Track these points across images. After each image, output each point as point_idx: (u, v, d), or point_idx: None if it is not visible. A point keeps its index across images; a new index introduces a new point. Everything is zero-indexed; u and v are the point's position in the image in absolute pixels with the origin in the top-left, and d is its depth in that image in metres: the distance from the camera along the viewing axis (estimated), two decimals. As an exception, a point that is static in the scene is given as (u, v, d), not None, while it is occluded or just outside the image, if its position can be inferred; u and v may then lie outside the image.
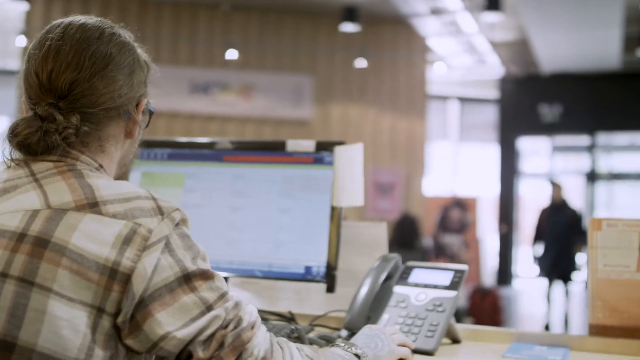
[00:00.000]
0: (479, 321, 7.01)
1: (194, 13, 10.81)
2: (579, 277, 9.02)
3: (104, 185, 0.98)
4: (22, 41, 9.12)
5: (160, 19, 10.72)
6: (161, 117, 10.49)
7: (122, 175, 1.14)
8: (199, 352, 0.92)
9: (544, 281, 8.93)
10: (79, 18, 1.08)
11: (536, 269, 9.18)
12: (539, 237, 9.02)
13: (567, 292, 8.83)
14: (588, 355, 1.41)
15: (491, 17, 8.57)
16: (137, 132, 1.13)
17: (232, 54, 10.46)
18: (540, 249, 9.00)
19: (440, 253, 10.39)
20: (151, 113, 1.17)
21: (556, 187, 9.00)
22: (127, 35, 1.11)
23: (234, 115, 10.71)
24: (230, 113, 10.70)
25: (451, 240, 10.85)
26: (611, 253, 1.48)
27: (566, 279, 8.79)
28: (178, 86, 10.59)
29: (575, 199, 12.67)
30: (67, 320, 0.88)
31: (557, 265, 8.66)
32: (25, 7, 9.46)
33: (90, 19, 1.08)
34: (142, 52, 1.13)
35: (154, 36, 10.64)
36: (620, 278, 1.47)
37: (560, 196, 8.83)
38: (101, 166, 1.05)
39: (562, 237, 8.58)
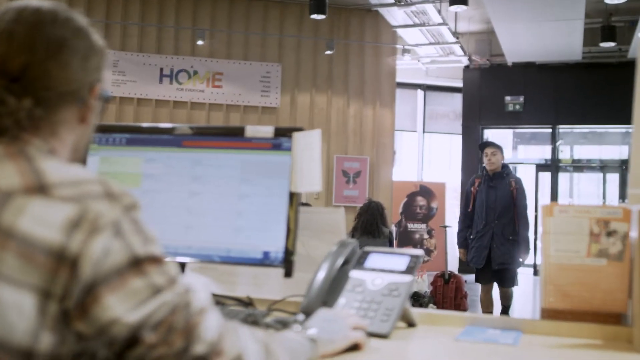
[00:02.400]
0: (442, 307, 7.08)
1: (162, 0, 10.70)
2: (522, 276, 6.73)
3: (54, 168, 0.97)
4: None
5: (128, 6, 10.60)
6: (129, 103, 10.41)
7: (77, 160, 1.13)
8: (148, 337, 0.91)
9: (479, 282, 6.73)
10: (34, 2, 1.07)
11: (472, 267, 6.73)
12: (468, 221, 6.62)
13: (507, 298, 6.59)
14: (539, 338, 1.44)
15: (457, 8, 8.64)
16: (91, 118, 1.13)
17: (200, 42, 10.40)
18: (468, 237, 6.65)
19: (406, 240, 10.46)
20: (106, 99, 1.17)
21: (491, 149, 6.55)
22: (82, 19, 1.10)
23: (202, 103, 10.67)
24: (198, 100, 10.65)
25: (416, 228, 10.94)
26: (563, 239, 1.51)
27: (502, 279, 6.45)
28: (146, 73, 10.52)
29: (536, 188, 12.85)
30: (13, 304, 0.87)
31: (489, 261, 6.36)
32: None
33: (46, 3, 1.08)
34: (97, 38, 1.13)
35: (122, 23, 10.51)
36: (571, 263, 1.51)
37: (498, 162, 6.47)
38: (53, 150, 1.04)
39: (498, 220, 6.35)
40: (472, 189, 6.61)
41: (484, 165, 6.64)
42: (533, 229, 12.11)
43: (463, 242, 6.65)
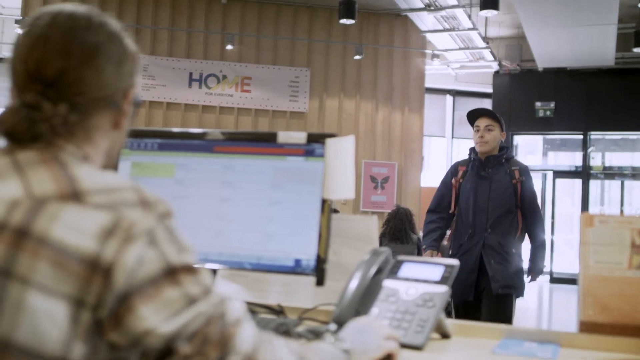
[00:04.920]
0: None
1: (192, 5, 10.79)
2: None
3: (88, 175, 0.96)
4: (19, 31, 9.10)
5: (159, 10, 10.70)
6: (158, 107, 10.50)
7: (109, 166, 1.13)
8: (183, 348, 0.90)
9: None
10: (68, 7, 1.07)
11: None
12: (439, 220, 4.42)
13: None
14: (578, 352, 1.40)
15: (488, 13, 8.57)
16: (125, 123, 1.12)
17: (229, 46, 10.46)
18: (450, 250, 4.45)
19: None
20: (137, 104, 1.16)
21: (485, 120, 4.26)
22: (115, 24, 1.10)
23: (231, 107, 10.72)
24: (227, 105, 10.70)
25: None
26: (603, 250, 1.47)
27: (496, 311, 4.04)
28: (175, 77, 10.60)
29: (553, 195, 12.68)
30: (45, 313, 0.86)
31: (479, 289, 4.13)
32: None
33: (80, 8, 1.07)
34: (130, 42, 1.12)
35: (152, 27, 10.60)
36: (611, 275, 1.46)
37: (494, 142, 4.22)
38: (87, 156, 1.04)
39: (493, 228, 4.13)
40: (452, 180, 4.35)
41: (472, 146, 4.37)
42: (549, 239, 12.06)
43: (434, 242, 4.35)
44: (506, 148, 4.33)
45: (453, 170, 4.40)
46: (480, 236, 4.14)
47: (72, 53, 1.01)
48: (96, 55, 1.04)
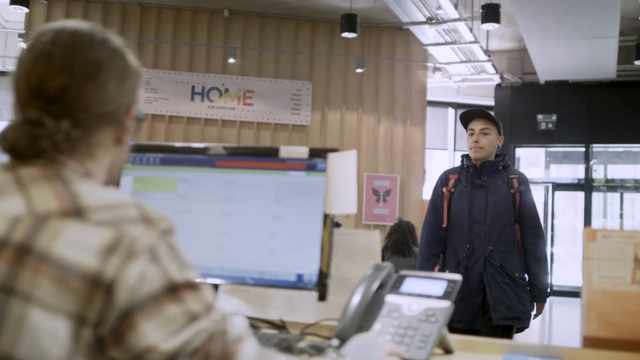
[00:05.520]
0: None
1: (194, 18, 10.84)
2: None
3: (90, 191, 0.96)
4: (22, 45, 9.16)
5: (161, 23, 10.76)
6: (161, 121, 10.53)
7: (111, 181, 1.13)
8: None
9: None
10: (71, 23, 1.07)
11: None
12: (436, 244, 3.88)
13: None
14: (582, 368, 1.40)
15: (489, 26, 8.60)
16: (127, 139, 1.12)
17: (231, 60, 10.50)
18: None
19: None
20: (139, 119, 1.16)
21: (481, 122, 3.90)
22: (118, 41, 1.10)
23: (233, 120, 10.74)
24: (229, 118, 10.72)
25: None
26: (606, 265, 1.46)
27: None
28: (178, 91, 10.64)
29: (552, 208, 12.63)
30: (47, 330, 0.86)
31: (480, 315, 3.66)
32: (24, 10, 9.46)
33: (83, 24, 1.08)
34: (132, 58, 1.12)
35: (155, 41, 10.65)
36: (615, 290, 1.46)
37: (490, 147, 3.86)
38: (89, 172, 1.04)
39: (494, 244, 3.68)
40: (444, 190, 3.89)
41: (465, 153, 4.02)
42: (549, 252, 12.02)
43: None
44: (503, 155, 3.91)
45: (443, 179, 3.97)
46: (480, 253, 3.69)
47: (75, 70, 1.02)
48: (98, 71, 1.04)
